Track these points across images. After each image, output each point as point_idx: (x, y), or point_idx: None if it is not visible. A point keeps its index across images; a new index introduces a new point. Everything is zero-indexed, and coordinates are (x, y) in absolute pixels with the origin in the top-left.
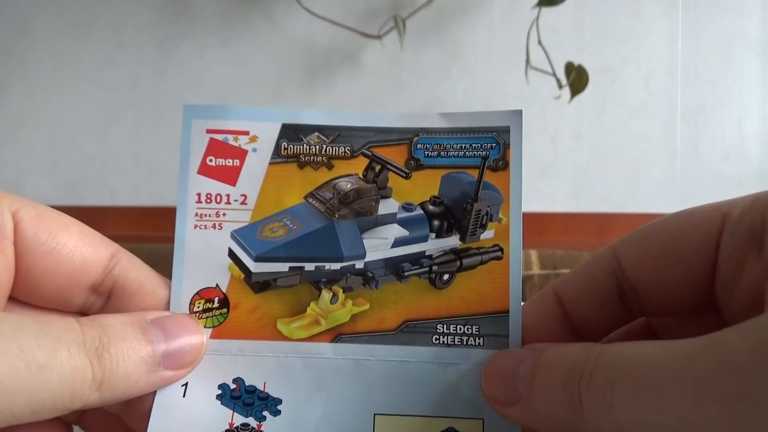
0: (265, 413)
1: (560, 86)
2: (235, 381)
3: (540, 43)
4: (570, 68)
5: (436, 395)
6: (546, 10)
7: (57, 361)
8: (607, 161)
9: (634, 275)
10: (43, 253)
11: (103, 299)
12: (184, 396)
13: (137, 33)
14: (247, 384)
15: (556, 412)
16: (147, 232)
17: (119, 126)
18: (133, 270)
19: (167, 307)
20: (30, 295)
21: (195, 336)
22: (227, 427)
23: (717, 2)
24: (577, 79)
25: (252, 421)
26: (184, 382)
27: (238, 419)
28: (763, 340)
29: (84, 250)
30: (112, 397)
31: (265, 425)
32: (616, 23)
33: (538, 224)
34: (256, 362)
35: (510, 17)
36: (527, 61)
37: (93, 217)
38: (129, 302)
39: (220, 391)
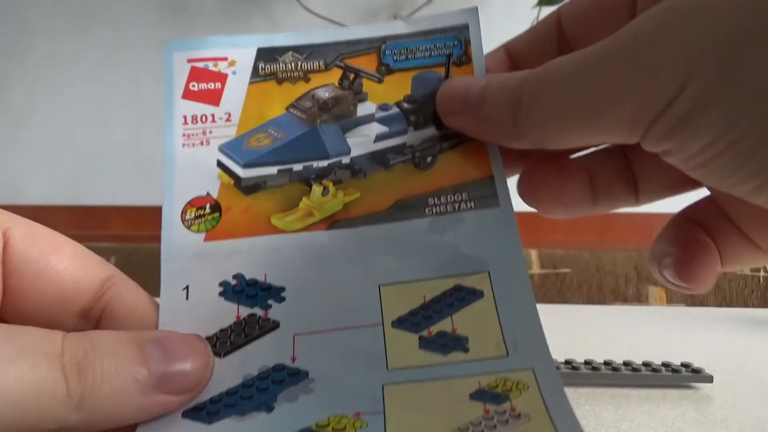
0: (270, 302)
1: None
2: (235, 277)
3: None
4: None
5: (438, 259)
6: (546, 10)
7: (13, 371)
8: None
9: (569, 26)
10: (32, 274)
11: (92, 325)
12: (187, 299)
13: (137, 33)
14: (247, 278)
15: (500, 115)
16: (147, 231)
17: (119, 126)
18: (126, 296)
19: None
20: (17, 316)
21: (199, 358)
22: (234, 320)
23: None
24: None
25: (258, 311)
26: (185, 286)
27: (244, 311)
28: (639, 21)
29: (76, 273)
30: (98, 420)
31: (271, 312)
32: None
33: (538, 224)
34: (253, 257)
35: (510, 17)
36: None
37: (93, 216)
38: (116, 329)
39: (221, 289)
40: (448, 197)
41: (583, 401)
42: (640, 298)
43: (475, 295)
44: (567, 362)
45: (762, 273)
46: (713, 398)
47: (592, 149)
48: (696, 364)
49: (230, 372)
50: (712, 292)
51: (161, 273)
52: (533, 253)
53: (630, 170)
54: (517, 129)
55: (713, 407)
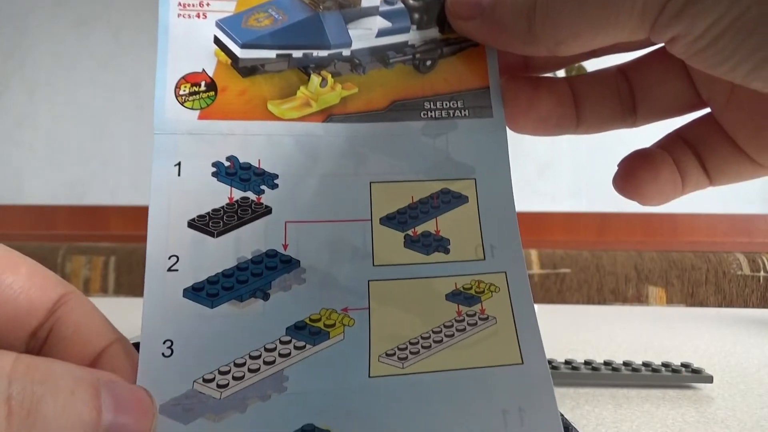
0: (263, 187)
1: None
2: (228, 159)
3: None
4: (570, 67)
5: (429, 162)
6: None
7: None
8: (607, 160)
9: None
10: None
11: (40, 343)
12: (179, 175)
13: (137, 33)
14: (241, 162)
15: (514, 21)
16: (147, 231)
17: (119, 126)
18: (77, 314)
19: (96, 363)
20: None
21: (145, 417)
22: (227, 201)
23: None
24: None
25: (251, 195)
26: (177, 162)
27: (237, 194)
28: None
29: (31, 292)
30: None
31: (264, 198)
32: None
33: (538, 224)
34: (248, 141)
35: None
36: None
37: (93, 216)
38: (58, 348)
39: (214, 169)
40: (444, 103)
41: (583, 401)
42: (640, 298)
43: (460, 199)
44: (567, 362)
45: (762, 273)
46: (713, 398)
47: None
48: (696, 364)
49: (224, 253)
50: (712, 292)
51: (153, 146)
52: (533, 253)
53: (629, 92)
54: (531, 35)
55: (713, 407)
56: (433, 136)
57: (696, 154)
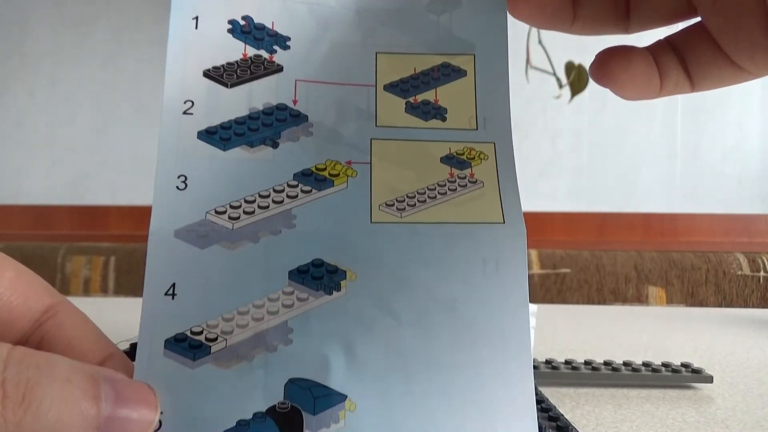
0: (276, 47)
1: (560, 86)
2: (244, 18)
3: (540, 42)
4: (570, 68)
5: (432, 36)
6: None
7: None
8: (607, 161)
9: None
10: None
11: None
12: (196, 28)
13: (137, 33)
14: (255, 22)
15: None
16: (147, 231)
17: (119, 126)
18: (68, 327)
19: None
20: None
21: (148, 410)
22: (241, 56)
23: None
24: (577, 78)
25: (264, 53)
26: (195, 16)
27: (251, 51)
28: None
29: (15, 300)
30: None
31: (276, 57)
32: None
33: (538, 224)
34: (263, 3)
35: (510, 16)
36: (527, 61)
37: (93, 216)
38: None
39: (230, 26)
40: None
41: (583, 401)
42: (640, 298)
43: (459, 73)
44: (567, 362)
45: (762, 273)
46: (713, 398)
47: None
48: (696, 364)
49: (237, 103)
50: (712, 292)
51: (171, 3)
52: (533, 253)
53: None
54: None
55: (713, 407)
56: (437, 12)
57: (680, 57)
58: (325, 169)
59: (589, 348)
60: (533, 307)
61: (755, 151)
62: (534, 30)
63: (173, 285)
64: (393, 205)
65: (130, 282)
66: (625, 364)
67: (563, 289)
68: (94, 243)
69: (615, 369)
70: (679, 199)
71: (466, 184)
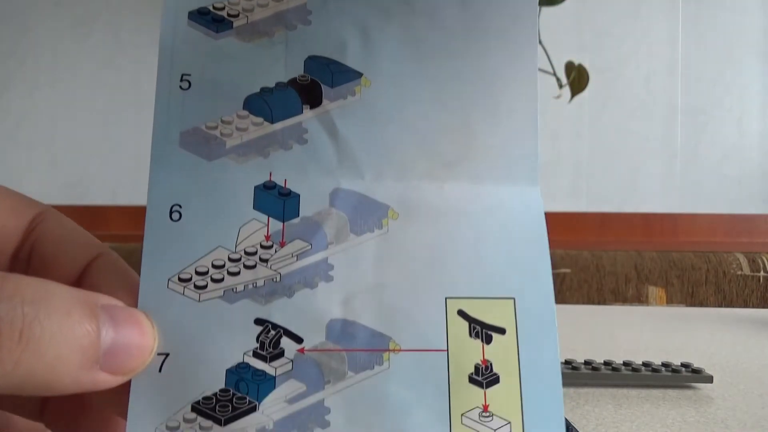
0: None
1: (560, 85)
2: None
3: (540, 42)
4: (570, 67)
5: None
6: (546, 10)
7: None
8: (607, 161)
9: None
10: None
11: (23, 266)
12: None
13: (137, 33)
14: None
15: None
16: None
17: (119, 125)
18: (56, 232)
19: (83, 277)
20: None
21: (145, 338)
22: None
23: (717, 2)
24: (577, 78)
25: None
26: None
27: None
28: None
29: (3, 216)
30: (24, 387)
31: None
32: (617, 22)
33: None
34: None
35: None
36: None
37: (93, 215)
38: (42, 267)
39: None
40: None
41: (583, 401)
42: (640, 298)
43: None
44: (567, 362)
45: (762, 273)
46: (713, 398)
47: None
48: (696, 364)
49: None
50: (712, 292)
51: None
52: None
53: None
54: None
55: (713, 407)
56: None
57: None
58: None
59: (589, 348)
60: None
61: (755, 151)
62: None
63: None
64: None
65: None
66: (625, 364)
67: (563, 289)
68: None
69: (615, 369)
70: (679, 199)
71: None
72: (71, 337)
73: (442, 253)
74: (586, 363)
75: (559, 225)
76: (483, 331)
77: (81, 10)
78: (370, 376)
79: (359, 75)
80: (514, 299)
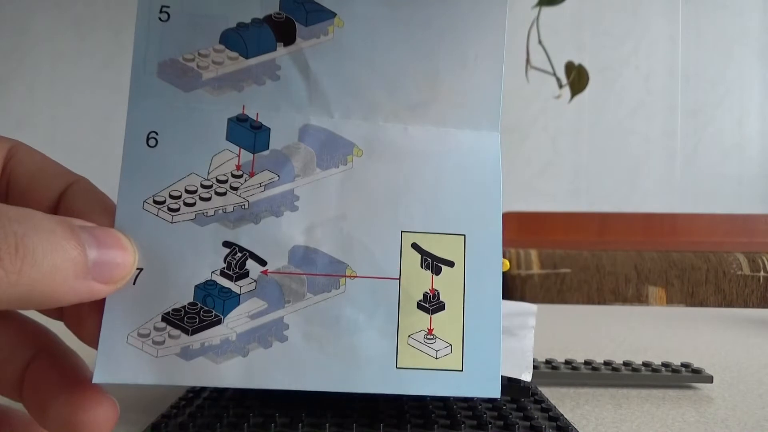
0: None
1: (560, 86)
2: None
3: (540, 42)
4: (570, 67)
5: None
6: (546, 10)
7: None
8: (607, 161)
9: None
10: None
11: (1, 200)
12: None
13: None
14: None
15: None
16: None
17: (119, 126)
18: (29, 162)
19: (59, 204)
20: None
21: (126, 252)
22: None
23: (717, 1)
24: (577, 78)
25: None
26: None
27: None
28: None
29: None
30: (30, 298)
31: None
32: (616, 23)
33: (538, 224)
34: None
35: (510, 17)
36: (527, 61)
37: None
38: (18, 199)
39: None
40: None
41: (583, 401)
42: (640, 298)
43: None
44: (567, 362)
45: (762, 273)
46: (713, 398)
47: None
48: (696, 364)
49: None
50: (712, 292)
51: None
52: (533, 253)
53: None
54: None
55: (713, 407)
56: None
57: None
58: None
59: (589, 348)
60: (533, 307)
61: (755, 151)
62: (534, 30)
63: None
64: None
65: None
66: (625, 364)
67: (563, 289)
68: None
69: (615, 369)
70: (679, 199)
71: None
72: (61, 250)
73: (401, 190)
74: (586, 363)
75: (559, 225)
76: (434, 263)
77: (81, 10)
78: (327, 298)
79: (333, 15)
80: (465, 236)
